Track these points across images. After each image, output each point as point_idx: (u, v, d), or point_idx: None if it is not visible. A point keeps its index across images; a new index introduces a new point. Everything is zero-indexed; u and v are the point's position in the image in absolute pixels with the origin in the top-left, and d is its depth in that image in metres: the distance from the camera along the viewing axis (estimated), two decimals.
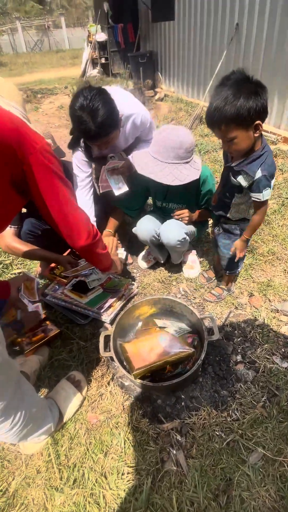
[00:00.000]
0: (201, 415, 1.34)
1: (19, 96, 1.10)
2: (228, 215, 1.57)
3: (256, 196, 1.35)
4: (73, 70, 11.00)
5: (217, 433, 1.28)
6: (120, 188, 1.80)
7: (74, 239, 1.15)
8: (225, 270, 1.79)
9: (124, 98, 1.73)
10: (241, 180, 1.35)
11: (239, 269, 1.79)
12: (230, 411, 1.35)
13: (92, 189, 1.98)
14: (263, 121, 1.18)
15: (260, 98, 1.11)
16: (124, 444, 1.28)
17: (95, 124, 1.43)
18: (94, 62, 9.43)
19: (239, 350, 1.59)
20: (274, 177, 1.33)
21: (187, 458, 1.23)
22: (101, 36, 8.62)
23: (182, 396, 1.42)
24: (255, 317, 1.74)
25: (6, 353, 0.96)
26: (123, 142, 1.86)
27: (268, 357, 1.53)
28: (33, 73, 11.69)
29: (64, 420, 1.35)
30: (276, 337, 1.63)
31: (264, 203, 1.38)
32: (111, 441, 1.30)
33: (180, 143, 1.55)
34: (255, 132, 1.21)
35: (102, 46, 8.82)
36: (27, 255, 1.82)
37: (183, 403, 1.40)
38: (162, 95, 6.43)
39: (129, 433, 1.31)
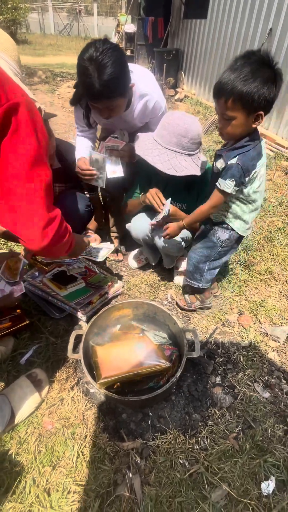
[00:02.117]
0: (166, 438, 1.21)
1: (14, 51, 0.96)
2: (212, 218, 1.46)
3: (217, 182, 1.26)
4: None
5: (181, 461, 1.16)
6: (114, 172, 1.61)
7: (21, 234, 0.87)
8: (186, 277, 1.66)
9: (143, 75, 1.57)
10: (219, 165, 1.27)
11: (200, 284, 1.62)
12: (199, 439, 1.22)
13: (91, 142, 1.80)
14: (265, 113, 1.13)
15: (275, 88, 1.07)
16: (77, 458, 1.15)
17: (100, 81, 1.25)
18: None
19: (219, 372, 1.46)
20: (249, 176, 1.23)
21: (143, 484, 1.10)
22: (130, 27, 8.50)
23: (150, 414, 1.29)
24: (242, 338, 1.62)
25: None
26: (130, 119, 1.67)
27: (250, 383, 1.41)
28: (57, 55, 11.48)
29: (16, 422, 1.22)
30: (261, 363, 1.50)
31: (221, 192, 1.27)
32: (63, 453, 1.17)
33: (186, 130, 1.41)
34: (254, 122, 1.15)
35: (130, 37, 8.69)
36: (9, 236, 1.69)
37: (149, 422, 1.27)
38: (182, 96, 6.30)
39: (84, 446, 1.18)
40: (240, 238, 1.50)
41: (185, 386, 1.40)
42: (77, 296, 1.70)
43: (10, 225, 0.87)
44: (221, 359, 1.51)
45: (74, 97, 1.58)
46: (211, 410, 1.31)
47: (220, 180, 1.25)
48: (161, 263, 2.01)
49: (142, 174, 1.76)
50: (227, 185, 1.23)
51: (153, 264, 2.04)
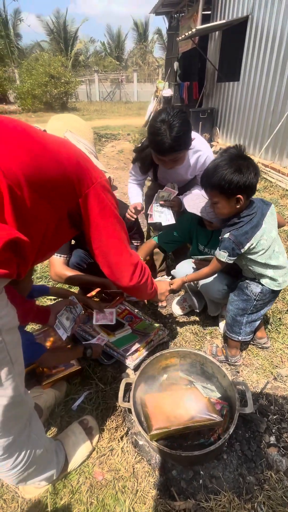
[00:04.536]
0: (220, 500, 1.15)
1: (90, 134, 1.18)
2: (243, 273, 1.58)
3: (216, 252, 1.43)
4: (137, 120, 11.95)
5: None
6: (168, 220, 1.83)
7: (116, 278, 1.12)
8: (225, 329, 1.68)
9: (197, 135, 1.83)
10: (220, 238, 1.43)
11: (240, 337, 1.62)
12: (256, 504, 1.14)
13: (140, 189, 2.09)
14: (247, 196, 1.31)
15: (243, 175, 1.24)
16: None
17: (171, 137, 1.50)
18: None
19: (273, 431, 1.39)
20: (245, 248, 1.35)
21: None
22: (168, 92, 9.40)
23: (201, 472, 1.24)
24: None
25: (23, 387, 0.91)
26: (183, 172, 1.90)
27: None
28: (101, 119, 12.91)
29: (69, 469, 1.24)
30: None
31: (218, 261, 1.43)
32: (114, 508, 1.15)
33: None
34: (236, 204, 1.31)
35: (167, 100, 9.57)
36: (74, 281, 1.86)
37: (201, 481, 1.22)
38: (217, 149, 6.65)
39: (135, 502, 1.16)
40: (275, 291, 1.52)
41: (237, 444, 1.34)
42: (124, 342, 1.76)
43: (109, 275, 1.09)
44: (274, 417, 1.44)
45: (141, 166, 1.90)
46: (267, 473, 1.24)
47: (217, 250, 1.42)
48: (205, 310, 2.03)
49: (182, 226, 1.91)
50: (221, 255, 1.40)
51: (197, 311, 2.06)
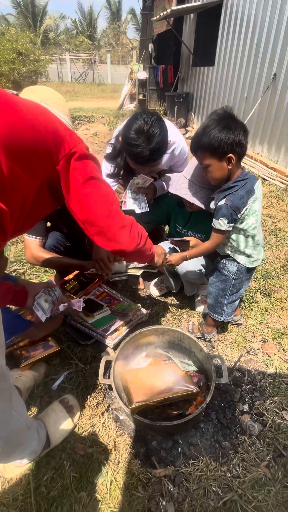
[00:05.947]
0: (198, 465, 1.21)
1: (66, 107, 1.15)
2: (219, 250, 1.57)
3: (212, 222, 1.39)
4: (111, 103, 11.64)
5: (214, 489, 1.16)
6: (141, 208, 1.81)
7: (115, 246, 1.05)
8: (208, 310, 1.73)
9: (170, 127, 1.75)
10: (212, 206, 1.41)
11: (223, 318, 1.66)
12: (231, 466, 1.22)
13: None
14: (238, 156, 1.29)
15: (232, 133, 1.23)
16: (110, 484, 1.17)
17: (150, 149, 1.45)
18: (132, 97, 10.00)
19: (246, 399, 1.47)
20: (241, 212, 1.34)
21: None
22: (142, 75, 9.19)
23: (180, 441, 1.30)
24: (267, 365, 1.64)
25: (3, 360, 0.90)
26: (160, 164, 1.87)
27: (278, 411, 1.41)
28: (74, 101, 12.44)
29: (51, 447, 1.25)
30: None
31: (217, 231, 1.39)
32: (97, 480, 1.19)
33: None
34: (228, 164, 1.30)
35: (142, 83, 9.37)
36: (52, 263, 1.82)
37: (180, 449, 1.28)
38: (192, 134, 6.67)
39: (117, 473, 1.20)
40: (250, 269, 1.56)
41: (213, 414, 1.41)
42: (103, 323, 1.77)
43: (107, 245, 1.04)
44: (247, 387, 1.53)
45: (115, 172, 1.82)
46: (241, 438, 1.32)
47: (214, 220, 1.38)
48: (182, 291, 2.08)
49: (160, 206, 1.92)
50: (220, 224, 1.36)
51: (174, 291, 2.11)
